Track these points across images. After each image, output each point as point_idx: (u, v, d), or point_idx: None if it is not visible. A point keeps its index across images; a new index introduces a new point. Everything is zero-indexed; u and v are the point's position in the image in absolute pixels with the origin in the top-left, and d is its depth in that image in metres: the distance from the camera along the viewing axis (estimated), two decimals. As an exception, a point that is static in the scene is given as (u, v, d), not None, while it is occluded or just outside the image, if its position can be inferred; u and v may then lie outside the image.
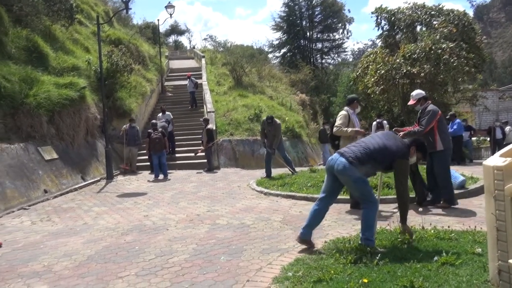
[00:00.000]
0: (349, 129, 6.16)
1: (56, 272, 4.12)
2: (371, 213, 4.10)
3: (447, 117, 12.35)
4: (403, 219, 4.24)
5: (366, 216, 4.11)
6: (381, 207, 5.89)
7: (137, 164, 13.11)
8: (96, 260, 4.42)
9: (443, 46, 14.19)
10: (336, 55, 52.13)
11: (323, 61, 51.43)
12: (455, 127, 12.24)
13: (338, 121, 6.28)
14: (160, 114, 14.53)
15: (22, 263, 4.48)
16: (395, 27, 17.99)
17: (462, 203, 6.40)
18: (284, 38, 49.30)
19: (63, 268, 4.22)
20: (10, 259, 4.67)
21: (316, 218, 4.33)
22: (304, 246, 4.32)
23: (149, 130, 12.19)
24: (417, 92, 6.33)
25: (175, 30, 60.93)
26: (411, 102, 6.34)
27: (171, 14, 21.23)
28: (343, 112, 6.38)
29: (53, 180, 9.44)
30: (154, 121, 12.80)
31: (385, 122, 13.38)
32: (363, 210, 4.18)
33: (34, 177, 8.81)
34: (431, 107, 6.09)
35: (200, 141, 13.46)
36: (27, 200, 8.11)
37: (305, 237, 4.29)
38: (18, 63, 10.40)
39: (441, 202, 6.16)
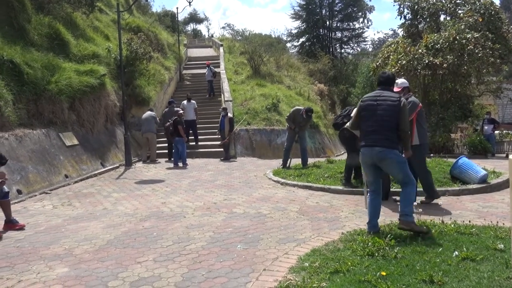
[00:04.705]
0: None
1: (77, 255, 4.22)
2: (413, 190, 4.38)
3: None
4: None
5: (409, 193, 4.32)
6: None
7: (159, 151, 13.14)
8: (115, 245, 4.51)
9: (468, 36, 13.74)
10: (355, 45, 51.38)
11: (342, 50, 50.75)
12: None
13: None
14: (185, 102, 14.39)
15: (44, 245, 4.61)
16: (418, 16, 17.51)
17: (483, 198, 6.27)
18: (303, 27, 48.74)
19: (83, 252, 4.32)
20: (33, 241, 4.81)
21: (376, 208, 4.43)
22: (321, 238, 4.32)
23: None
24: (402, 81, 5.95)
25: (193, 18, 61.10)
26: (395, 89, 5.94)
27: (190, 2, 21.17)
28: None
29: (74, 165, 9.64)
30: (176, 108, 12.84)
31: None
32: (405, 188, 4.34)
33: (56, 162, 9.01)
34: (412, 98, 5.80)
35: (216, 130, 13.47)
36: (49, 185, 8.32)
37: (377, 229, 4.41)
38: (40, 50, 10.58)
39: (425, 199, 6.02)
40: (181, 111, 12.46)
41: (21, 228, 5.38)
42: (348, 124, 5.35)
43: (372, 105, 4.39)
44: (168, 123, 11.83)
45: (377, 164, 4.35)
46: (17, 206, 6.76)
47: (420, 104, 5.86)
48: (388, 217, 5.19)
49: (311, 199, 6.64)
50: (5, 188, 5.47)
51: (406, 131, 4.35)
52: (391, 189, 6.36)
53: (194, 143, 14.07)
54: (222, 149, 12.90)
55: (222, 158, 12.63)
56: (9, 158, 6.59)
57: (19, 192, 7.43)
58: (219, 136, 13.05)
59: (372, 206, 4.41)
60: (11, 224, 5.38)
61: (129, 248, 4.39)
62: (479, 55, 13.42)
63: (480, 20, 14.97)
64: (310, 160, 10.44)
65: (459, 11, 16.41)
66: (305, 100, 20.36)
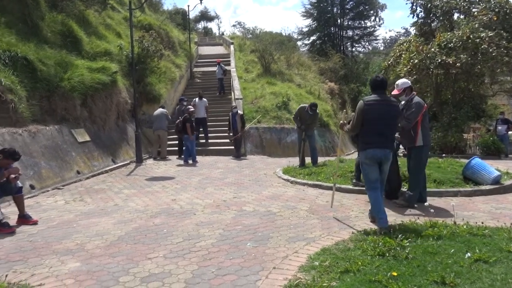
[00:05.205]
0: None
1: (88, 250, 4.27)
2: None
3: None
4: None
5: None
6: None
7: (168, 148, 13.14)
8: (126, 241, 4.55)
9: (482, 35, 13.53)
10: (367, 43, 51.00)
11: (354, 49, 50.40)
12: None
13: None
14: (196, 99, 14.44)
15: (56, 240, 4.67)
16: (431, 15, 17.32)
17: (496, 199, 6.18)
18: (314, 25, 48.50)
19: (95, 247, 4.36)
20: (45, 236, 4.87)
21: (381, 204, 4.64)
22: (331, 237, 4.32)
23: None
24: (403, 81, 5.78)
25: (204, 16, 61.29)
26: (395, 92, 5.68)
27: (201, 0, 21.26)
28: None
29: (86, 161, 9.74)
30: (187, 106, 12.92)
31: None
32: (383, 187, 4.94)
33: (68, 158, 9.12)
34: (417, 99, 5.59)
35: (226, 128, 13.49)
36: (61, 180, 8.42)
37: (387, 223, 4.54)
38: (53, 47, 10.69)
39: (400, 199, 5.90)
40: (192, 109, 12.49)
41: (34, 223, 5.46)
42: (348, 126, 5.21)
43: (379, 109, 4.61)
44: (178, 120, 11.91)
45: (381, 163, 4.70)
46: (30, 201, 6.85)
47: (425, 105, 5.72)
48: (398, 217, 5.15)
49: (321, 198, 6.61)
50: (19, 183, 5.56)
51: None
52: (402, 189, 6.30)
53: (204, 140, 14.11)
54: (232, 147, 12.90)
55: (232, 156, 12.64)
56: (22, 153, 6.68)
57: (32, 187, 7.53)
58: (231, 134, 13.04)
59: (377, 204, 4.63)
60: (24, 219, 5.47)
61: (140, 244, 4.43)
62: (493, 54, 13.21)
63: (495, 18, 14.75)
64: (320, 159, 10.40)
65: (473, 10, 16.19)
66: (315, 98, 20.23)
